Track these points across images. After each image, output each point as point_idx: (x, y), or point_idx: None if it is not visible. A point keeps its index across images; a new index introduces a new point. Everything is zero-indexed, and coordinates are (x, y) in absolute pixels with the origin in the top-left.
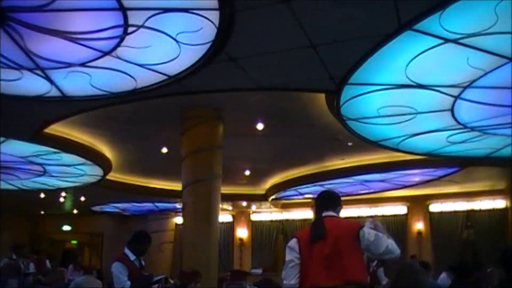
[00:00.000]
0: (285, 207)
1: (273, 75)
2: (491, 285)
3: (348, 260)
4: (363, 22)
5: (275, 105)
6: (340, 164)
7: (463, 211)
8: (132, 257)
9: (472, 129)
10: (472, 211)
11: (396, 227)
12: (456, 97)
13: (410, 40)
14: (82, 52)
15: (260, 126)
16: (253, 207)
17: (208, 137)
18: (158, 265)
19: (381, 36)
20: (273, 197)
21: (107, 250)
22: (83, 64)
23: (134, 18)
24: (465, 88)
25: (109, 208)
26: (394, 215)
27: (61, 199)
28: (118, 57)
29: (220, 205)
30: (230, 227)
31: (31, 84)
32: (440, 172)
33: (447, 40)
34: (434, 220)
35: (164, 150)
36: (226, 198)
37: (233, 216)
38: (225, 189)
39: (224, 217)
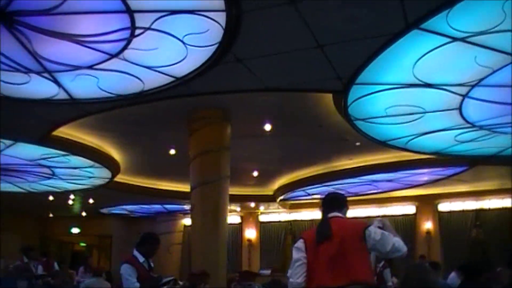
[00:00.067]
0: (293, 207)
1: (280, 75)
2: (500, 285)
3: (354, 260)
4: (370, 22)
5: (282, 106)
6: (348, 164)
7: (472, 210)
8: (141, 259)
9: (481, 127)
10: (481, 210)
11: (405, 227)
12: (464, 96)
13: (417, 39)
14: (89, 55)
15: (267, 127)
16: (262, 208)
17: (215, 139)
18: (166, 267)
19: (388, 36)
20: (281, 197)
21: (116, 252)
22: (90, 67)
23: (141, 20)
24: (473, 86)
25: (117, 210)
26: (403, 215)
27: (70, 202)
28: (126, 60)
29: (229, 206)
30: (238, 228)
31: (39, 87)
32: (448, 171)
33: (454, 39)
34: (443, 219)
35: (172, 151)
36: (234, 199)
37: (242, 217)
38: (233, 190)
39: (233, 218)
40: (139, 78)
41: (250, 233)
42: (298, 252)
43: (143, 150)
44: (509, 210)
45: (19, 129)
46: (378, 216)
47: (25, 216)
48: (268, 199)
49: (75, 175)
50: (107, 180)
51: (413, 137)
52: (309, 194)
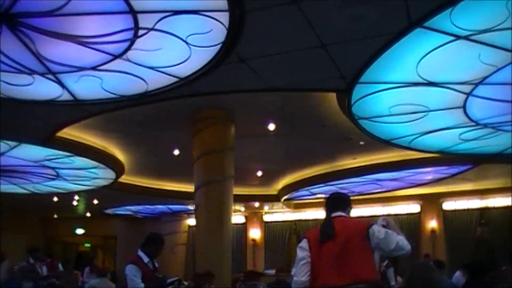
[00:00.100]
0: (298, 207)
1: (283, 75)
2: (506, 284)
3: (358, 259)
4: (373, 21)
5: (286, 106)
6: (352, 164)
7: (477, 209)
8: (145, 259)
9: (485, 126)
10: (486, 208)
11: (409, 225)
12: (468, 94)
13: (420, 38)
14: (93, 56)
15: (271, 127)
16: (266, 208)
17: (219, 139)
18: (171, 267)
19: (392, 34)
20: (285, 197)
21: (120, 253)
22: (94, 68)
23: (144, 20)
24: (477, 85)
25: (122, 210)
26: (407, 214)
27: (74, 203)
28: (129, 60)
29: (233, 206)
30: (243, 228)
31: (43, 89)
32: (452, 170)
33: (458, 37)
34: (448, 218)
35: (176, 152)
36: (239, 199)
37: (246, 217)
38: (238, 190)
39: (237, 218)
40: (142, 79)
41: (255, 233)
42: (303, 251)
43: (147, 151)
44: None
45: (23, 131)
46: (383, 215)
47: (30, 217)
48: (272, 199)
49: (79, 176)
50: (111, 180)
51: (417, 136)
52: (313, 194)
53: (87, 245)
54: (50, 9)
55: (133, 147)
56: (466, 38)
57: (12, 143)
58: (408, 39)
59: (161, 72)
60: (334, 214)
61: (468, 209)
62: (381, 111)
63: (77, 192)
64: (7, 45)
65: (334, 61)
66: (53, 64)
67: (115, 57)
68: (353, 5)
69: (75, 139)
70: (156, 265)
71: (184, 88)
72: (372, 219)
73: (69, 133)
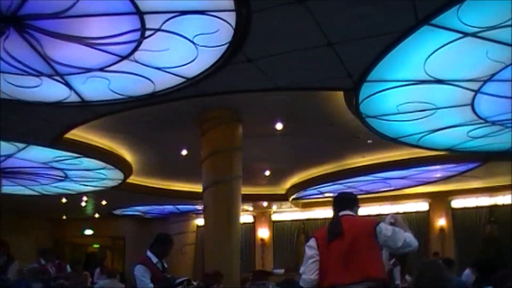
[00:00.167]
0: (306, 206)
1: (291, 74)
2: None
3: (366, 257)
4: (380, 19)
5: (293, 105)
6: (360, 162)
7: (486, 207)
8: (154, 259)
9: (493, 123)
10: (495, 206)
11: (418, 224)
12: (476, 91)
13: (428, 35)
14: (100, 57)
15: (279, 126)
16: (274, 207)
17: (227, 139)
18: (180, 267)
19: (399, 32)
20: (293, 196)
21: (129, 253)
22: (101, 69)
23: (151, 21)
24: (485, 82)
25: (130, 211)
26: (416, 212)
27: (83, 204)
28: (136, 61)
29: (241, 206)
30: (251, 228)
31: (51, 90)
32: (461, 167)
33: (466, 34)
34: (457, 216)
35: (184, 152)
36: (247, 198)
37: (254, 217)
38: (246, 190)
39: (245, 217)
40: (150, 80)
41: (263, 233)
42: (311, 249)
43: (155, 151)
44: None
45: (31, 132)
46: (391, 214)
47: (39, 219)
48: (281, 198)
49: (87, 177)
50: (119, 181)
51: (425, 133)
52: (321, 193)
53: (96, 246)
54: (56, 11)
55: (141, 147)
56: (474, 35)
57: (20, 145)
58: (415, 36)
59: (168, 72)
60: (342, 213)
61: (477, 207)
62: (389, 109)
63: (86, 193)
64: (15, 47)
65: (341, 60)
66: (60, 65)
67: (122, 58)
68: (360, 4)
69: (83, 140)
70: (165, 265)
71: (191, 89)
72: (381, 217)
73: (77, 134)
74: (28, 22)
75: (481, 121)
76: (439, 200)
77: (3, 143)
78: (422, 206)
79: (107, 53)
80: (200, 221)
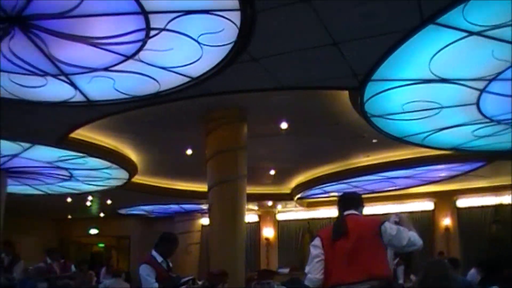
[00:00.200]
0: (311, 205)
1: (296, 74)
2: None
3: (370, 256)
4: (385, 18)
5: (298, 104)
6: (365, 161)
7: (491, 206)
8: (159, 259)
9: (499, 122)
10: (500, 205)
11: (423, 223)
12: (482, 90)
13: (433, 34)
14: (105, 57)
15: (284, 126)
16: (279, 207)
17: (232, 138)
18: (185, 267)
19: (404, 31)
20: (298, 196)
21: (134, 253)
22: (106, 69)
23: (156, 21)
24: (490, 81)
25: (135, 210)
26: (421, 211)
27: (88, 203)
28: (141, 61)
29: (246, 205)
30: (256, 227)
31: (56, 90)
32: (466, 167)
33: (471, 33)
34: (462, 215)
35: (189, 151)
36: (252, 198)
37: (259, 216)
38: (251, 189)
39: (250, 217)
40: (155, 79)
41: (268, 232)
42: (316, 248)
43: (160, 151)
44: None
45: (36, 132)
46: (396, 213)
47: (44, 218)
48: (286, 197)
49: (92, 177)
50: (124, 181)
51: (430, 133)
52: (326, 192)
53: (101, 245)
54: (62, 11)
55: (146, 147)
56: (479, 34)
57: (26, 145)
58: (420, 36)
59: (173, 72)
60: (346, 213)
61: (482, 206)
62: (394, 108)
63: (91, 193)
64: (20, 47)
65: (346, 59)
66: (65, 65)
67: (127, 57)
68: (365, 3)
69: (88, 139)
70: (170, 264)
71: (196, 88)
72: (386, 217)
73: (82, 134)
74: (33, 22)
75: (487, 120)
76: (444, 199)
77: (8, 142)
78: (427, 205)
79: (112, 53)
80: (205, 221)
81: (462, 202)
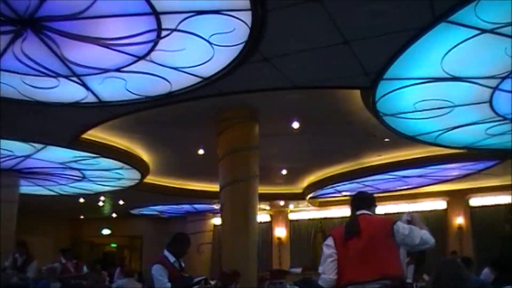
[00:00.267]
0: (323, 205)
1: (307, 73)
2: None
3: (383, 255)
4: (397, 16)
5: (310, 104)
6: (377, 161)
7: (505, 205)
8: (172, 259)
9: None
10: None
11: (435, 222)
12: (495, 88)
13: (445, 33)
14: (116, 58)
15: (295, 125)
16: (291, 206)
17: (244, 138)
18: (197, 266)
19: (416, 30)
20: (310, 195)
21: (146, 253)
22: (118, 70)
23: (167, 21)
24: (503, 78)
25: (147, 210)
26: (434, 211)
27: (100, 203)
28: (153, 61)
29: (258, 205)
30: (268, 227)
31: (68, 91)
32: (479, 165)
33: (483, 31)
34: (475, 214)
35: (201, 151)
36: (264, 197)
37: (271, 216)
38: (263, 189)
39: (262, 217)
40: (166, 79)
41: (280, 232)
42: (329, 248)
43: (172, 151)
44: None
45: (49, 133)
46: (408, 212)
47: (57, 219)
48: (298, 197)
49: (105, 177)
50: (136, 181)
51: (442, 131)
52: (338, 191)
53: (113, 245)
54: (73, 12)
55: (158, 147)
56: (492, 31)
57: (38, 146)
58: (432, 34)
59: (185, 72)
60: (359, 212)
61: (495, 205)
62: (406, 107)
63: (103, 193)
64: (32, 49)
65: (358, 58)
66: (77, 66)
67: (139, 58)
68: (376, 1)
69: (100, 140)
70: (183, 264)
71: (207, 88)
72: (398, 216)
73: (94, 134)
74: (45, 24)
75: (499, 118)
76: (457, 198)
77: (21, 143)
78: (440, 204)
79: (124, 54)
80: (217, 220)
81: (475, 201)
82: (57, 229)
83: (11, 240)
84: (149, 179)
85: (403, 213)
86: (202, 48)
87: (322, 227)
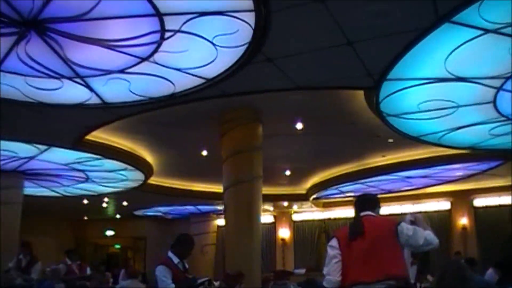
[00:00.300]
0: (327, 206)
1: (310, 74)
2: None
3: (387, 256)
4: (400, 16)
5: (313, 104)
6: (381, 161)
7: (509, 205)
8: (175, 260)
9: None
10: None
11: (440, 223)
12: (498, 89)
13: (448, 33)
14: (120, 59)
15: (299, 126)
16: (295, 207)
17: (247, 139)
18: (201, 268)
19: (419, 30)
20: (314, 196)
21: (150, 254)
22: (121, 71)
23: (171, 23)
24: (507, 78)
25: (151, 212)
26: (438, 211)
27: (104, 205)
28: (156, 63)
29: (262, 206)
30: (272, 228)
31: (72, 93)
32: (483, 165)
33: (487, 31)
34: (479, 215)
35: (204, 152)
36: (267, 198)
37: (275, 217)
38: (266, 190)
39: (266, 217)
40: (170, 81)
41: (284, 233)
42: (333, 249)
43: (175, 152)
44: None
45: (53, 134)
46: (412, 213)
47: (61, 220)
48: (301, 198)
49: (108, 178)
50: (140, 182)
51: (446, 132)
52: (342, 192)
53: (117, 246)
54: (77, 14)
55: (162, 148)
56: (496, 31)
57: (42, 147)
58: (436, 34)
59: (188, 73)
60: (363, 213)
61: (499, 206)
62: (410, 107)
63: (107, 194)
64: (36, 50)
65: (361, 58)
66: (81, 68)
67: (142, 59)
68: (379, 1)
69: (104, 141)
70: (186, 265)
71: (211, 89)
72: (402, 217)
73: (98, 135)
74: (49, 25)
75: (503, 118)
76: (461, 199)
77: (25, 145)
78: (443, 205)
79: (127, 55)
80: (220, 222)
81: (479, 202)
82: (60, 231)
83: (15, 242)
84: (153, 180)
85: (406, 214)
86: (205, 49)
87: (326, 228)
